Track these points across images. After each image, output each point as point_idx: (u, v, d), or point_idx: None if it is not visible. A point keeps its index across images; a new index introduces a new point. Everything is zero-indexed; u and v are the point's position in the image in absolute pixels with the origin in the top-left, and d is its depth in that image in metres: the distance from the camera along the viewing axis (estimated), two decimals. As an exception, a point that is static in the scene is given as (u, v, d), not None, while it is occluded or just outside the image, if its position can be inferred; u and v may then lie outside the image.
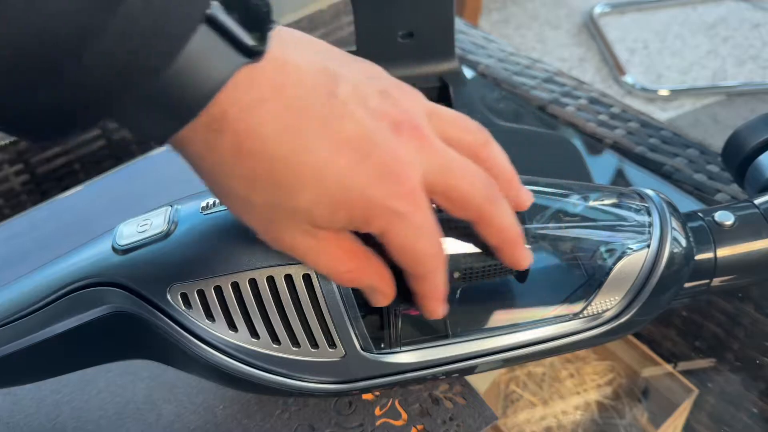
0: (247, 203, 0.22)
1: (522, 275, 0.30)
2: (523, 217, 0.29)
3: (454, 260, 0.29)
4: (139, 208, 0.30)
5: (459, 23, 0.63)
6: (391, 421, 0.32)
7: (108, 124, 0.78)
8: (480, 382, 0.44)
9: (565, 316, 0.30)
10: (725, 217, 0.32)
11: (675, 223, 0.30)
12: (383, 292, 0.25)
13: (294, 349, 0.28)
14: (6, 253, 0.46)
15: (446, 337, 0.29)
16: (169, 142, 0.21)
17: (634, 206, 0.31)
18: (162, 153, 0.54)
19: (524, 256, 0.27)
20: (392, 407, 0.33)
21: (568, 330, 0.30)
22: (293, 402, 0.33)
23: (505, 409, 0.44)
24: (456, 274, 0.29)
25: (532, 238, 0.29)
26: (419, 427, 0.32)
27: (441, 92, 0.47)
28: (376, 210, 0.22)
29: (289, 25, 0.96)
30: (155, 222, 0.28)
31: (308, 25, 0.89)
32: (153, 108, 0.19)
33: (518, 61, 0.59)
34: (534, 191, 0.31)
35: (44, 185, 0.78)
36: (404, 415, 0.32)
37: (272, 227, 0.23)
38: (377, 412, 0.32)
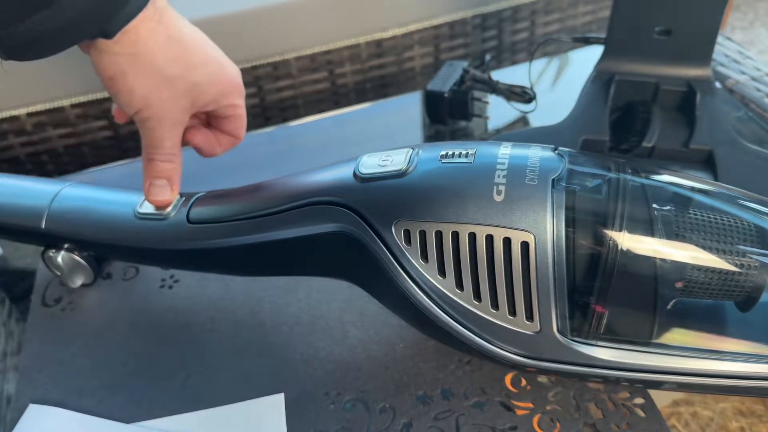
0: (162, 77, 0.32)
1: (746, 304, 0.28)
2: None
3: (681, 268, 0.27)
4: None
5: (715, 31, 0.58)
6: (561, 410, 0.32)
7: (335, 69, 0.84)
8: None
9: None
10: None
11: None
12: (171, 188, 0.35)
13: (492, 310, 0.28)
14: (251, 156, 0.51)
15: (647, 345, 0.28)
16: (119, 32, 0.29)
17: None
18: (387, 102, 0.58)
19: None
20: (565, 397, 0.32)
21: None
22: (468, 362, 0.34)
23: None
24: (679, 284, 0.27)
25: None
26: (589, 423, 0.31)
27: (686, 97, 0.44)
28: (234, 94, 0.36)
29: (525, 5, 0.94)
30: (396, 159, 0.30)
31: (543, 8, 0.88)
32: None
33: (775, 83, 0.53)
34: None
35: (269, 112, 0.86)
36: (577, 409, 0.32)
37: (174, 96, 0.33)
38: (550, 396, 0.32)
